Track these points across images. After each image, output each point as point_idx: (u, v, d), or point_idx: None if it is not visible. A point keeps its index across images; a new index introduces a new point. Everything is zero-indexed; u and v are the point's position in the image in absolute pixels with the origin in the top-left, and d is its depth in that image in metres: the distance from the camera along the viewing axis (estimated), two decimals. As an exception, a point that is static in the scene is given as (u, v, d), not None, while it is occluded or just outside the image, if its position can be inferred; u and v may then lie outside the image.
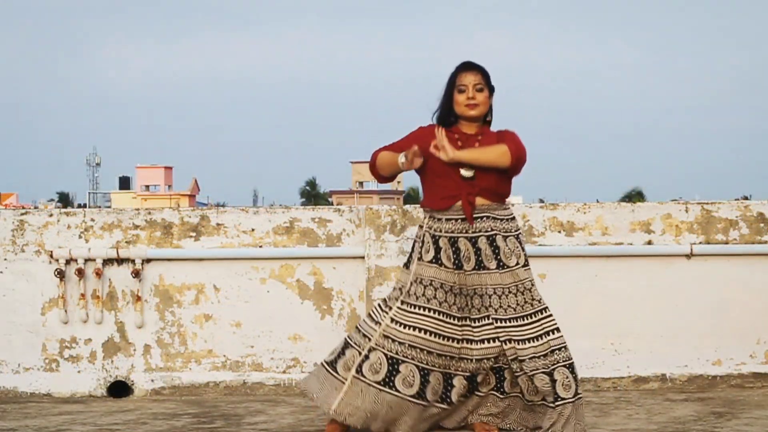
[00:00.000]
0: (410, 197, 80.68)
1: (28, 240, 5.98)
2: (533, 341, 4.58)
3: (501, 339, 4.59)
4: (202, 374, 5.99)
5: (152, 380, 6.00)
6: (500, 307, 4.59)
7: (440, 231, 4.66)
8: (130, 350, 6.00)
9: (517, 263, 4.63)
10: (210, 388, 5.99)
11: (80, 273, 5.94)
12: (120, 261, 5.98)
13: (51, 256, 5.96)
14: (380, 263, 5.91)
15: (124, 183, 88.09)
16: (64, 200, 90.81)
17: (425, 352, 4.64)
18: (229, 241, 6.00)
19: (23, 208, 7.25)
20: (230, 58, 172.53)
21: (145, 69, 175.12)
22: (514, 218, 4.72)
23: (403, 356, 4.64)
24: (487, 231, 4.63)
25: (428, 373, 4.64)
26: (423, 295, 4.66)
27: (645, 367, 5.99)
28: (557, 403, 4.55)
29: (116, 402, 5.85)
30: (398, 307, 4.68)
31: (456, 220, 4.64)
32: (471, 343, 4.63)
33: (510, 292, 4.60)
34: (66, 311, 5.96)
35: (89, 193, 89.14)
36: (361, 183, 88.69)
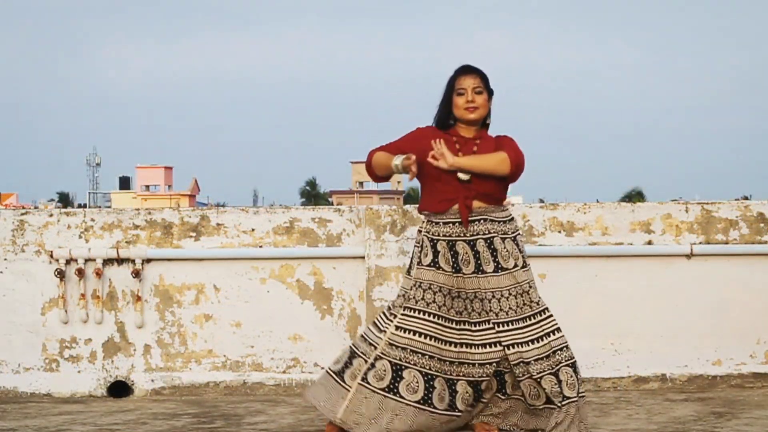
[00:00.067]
0: (410, 197, 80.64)
1: (28, 240, 5.98)
2: (535, 343, 4.57)
3: (503, 344, 4.58)
4: (202, 374, 5.99)
5: (152, 380, 6.00)
6: (501, 310, 4.59)
7: (438, 234, 4.66)
8: (130, 350, 6.00)
9: (515, 265, 4.63)
10: (210, 388, 5.99)
11: (80, 273, 5.94)
12: (120, 261, 5.98)
13: (51, 256, 5.96)
14: (380, 263, 5.91)
15: (124, 183, 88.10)
16: (64, 200, 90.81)
17: (427, 356, 4.63)
18: (229, 241, 6.00)
19: (23, 208, 7.25)
20: (230, 58, 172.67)
21: (145, 69, 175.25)
22: (512, 219, 4.72)
23: (406, 362, 4.63)
24: (484, 234, 4.63)
25: (432, 378, 4.63)
26: (422, 299, 4.65)
27: (645, 367, 5.99)
28: (563, 403, 4.55)
29: (116, 402, 5.85)
30: (402, 314, 4.67)
31: (454, 223, 4.64)
32: (471, 348, 4.62)
33: (510, 294, 4.60)
34: (66, 311, 5.96)
35: (89, 193, 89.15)
36: (361, 183, 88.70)
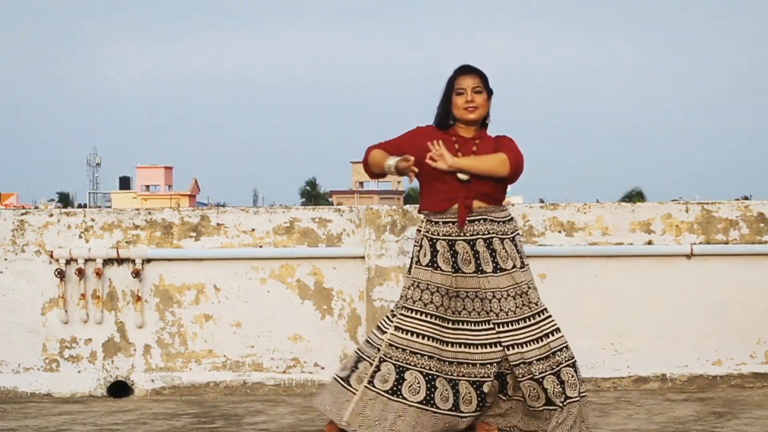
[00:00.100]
0: (410, 197, 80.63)
1: (28, 240, 5.98)
2: (534, 343, 4.57)
3: (503, 344, 4.58)
4: (202, 374, 5.99)
5: (152, 380, 6.00)
6: (501, 311, 4.58)
7: (437, 234, 4.66)
8: (130, 350, 6.00)
9: (514, 266, 4.63)
10: (210, 388, 5.99)
11: (80, 273, 5.94)
12: (120, 261, 5.98)
13: (51, 256, 5.96)
14: (380, 263, 5.91)
15: (124, 183, 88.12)
16: (64, 200, 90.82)
17: (426, 357, 4.64)
18: (229, 241, 6.00)
19: (23, 208, 7.25)
20: (230, 58, 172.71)
21: (145, 69, 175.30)
22: (511, 219, 4.72)
23: (407, 363, 4.64)
24: (484, 234, 4.63)
25: (434, 378, 4.63)
26: (420, 299, 4.65)
27: (645, 367, 5.99)
28: (565, 403, 4.54)
29: (116, 402, 5.85)
30: (400, 314, 4.68)
31: (453, 222, 4.64)
32: (471, 347, 4.62)
33: (509, 295, 4.60)
34: (66, 311, 5.96)
35: (89, 193, 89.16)
36: (361, 183, 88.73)
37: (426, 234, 4.69)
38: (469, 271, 4.61)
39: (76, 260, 5.95)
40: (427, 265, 4.66)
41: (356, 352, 4.77)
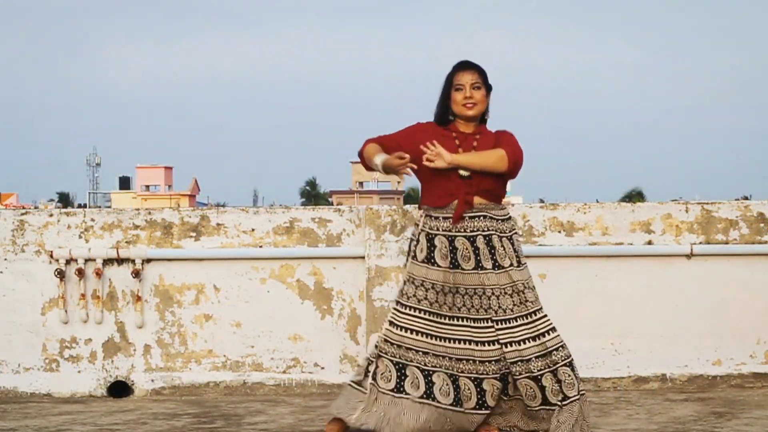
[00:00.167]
0: (410, 197, 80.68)
1: (28, 240, 5.98)
2: (530, 342, 4.57)
3: (501, 342, 4.59)
4: (202, 374, 5.99)
5: (152, 380, 6.00)
6: (499, 308, 4.59)
7: (437, 229, 4.66)
8: (130, 350, 6.00)
9: (511, 264, 4.63)
10: (210, 388, 5.99)
11: (80, 273, 5.94)
12: (120, 261, 5.98)
13: (51, 256, 5.96)
14: (380, 263, 5.91)
15: (124, 183, 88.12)
16: (64, 200, 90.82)
17: (421, 353, 4.65)
18: (229, 241, 6.00)
19: (23, 208, 7.25)
20: (230, 58, 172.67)
21: (145, 69, 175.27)
22: (510, 218, 4.72)
23: (405, 359, 4.66)
24: (484, 230, 4.63)
25: (431, 374, 4.65)
26: (414, 295, 4.67)
27: (645, 367, 5.99)
28: (564, 403, 4.54)
29: (116, 402, 5.85)
30: (394, 308, 4.70)
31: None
32: (471, 344, 4.63)
33: (505, 293, 4.60)
34: (66, 311, 5.96)
35: (89, 193, 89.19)
36: (361, 183, 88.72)
37: (424, 229, 4.69)
38: (468, 267, 4.61)
39: (76, 260, 5.95)
40: (422, 261, 4.67)
41: (366, 358, 4.83)
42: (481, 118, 4.76)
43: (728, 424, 4.97)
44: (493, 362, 4.60)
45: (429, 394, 4.63)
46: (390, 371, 4.66)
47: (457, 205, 4.61)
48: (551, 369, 4.55)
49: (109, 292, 6.00)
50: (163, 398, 5.93)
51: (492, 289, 4.59)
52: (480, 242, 4.62)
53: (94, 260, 5.96)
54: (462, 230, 4.63)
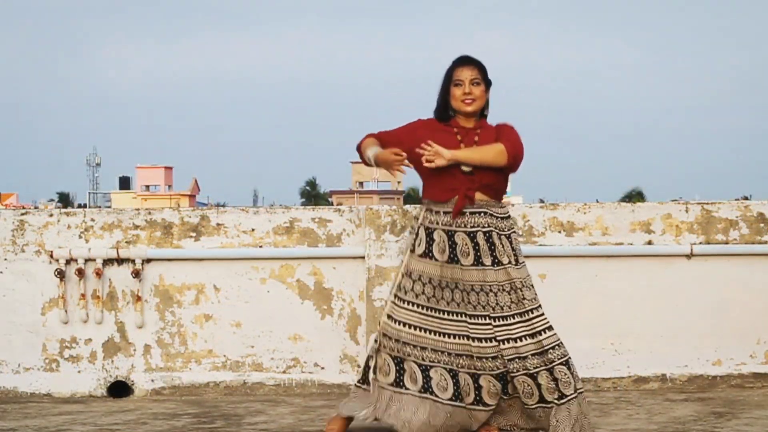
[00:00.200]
0: (410, 197, 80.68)
1: (28, 240, 5.98)
2: (526, 339, 4.58)
3: (498, 339, 4.59)
4: (202, 374, 5.99)
5: (152, 380, 6.00)
6: (497, 305, 4.60)
7: (437, 223, 4.66)
8: (130, 350, 6.00)
9: (509, 262, 4.64)
10: (210, 388, 5.99)
11: (80, 273, 5.94)
12: (120, 261, 5.98)
13: (51, 256, 5.96)
14: (380, 263, 5.91)
15: (124, 183, 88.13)
16: (64, 200, 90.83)
17: (419, 348, 4.67)
18: (229, 241, 6.00)
19: (23, 208, 7.24)
20: (230, 58, 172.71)
21: (145, 69, 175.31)
22: (509, 217, 4.73)
23: (402, 353, 4.68)
24: (484, 226, 4.64)
25: (428, 368, 4.66)
26: (411, 290, 4.68)
27: (645, 367, 5.99)
28: (561, 401, 4.55)
29: (116, 402, 5.85)
30: (391, 302, 4.72)
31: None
32: (469, 340, 4.63)
33: (503, 290, 4.61)
34: (66, 311, 5.96)
35: (89, 193, 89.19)
36: (361, 183, 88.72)
37: (423, 223, 4.70)
38: (467, 263, 4.61)
39: (76, 260, 5.95)
40: (421, 255, 4.68)
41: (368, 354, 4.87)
42: (481, 113, 4.76)
43: (728, 424, 4.97)
44: (490, 359, 4.61)
45: (427, 388, 4.64)
46: (388, 365, 4.69)
47: (458, 199, 4.62)
48: (547, 367, 4.56)
49: (109, 292, 6.00)
50: (163, 398, 5.93)
51: (490, 285, 4.60)
52: (480, 238, 4.62)
53: (94, 260, 5.95)
54: (462, 225, 4.63)
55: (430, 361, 4.66)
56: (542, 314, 4.62)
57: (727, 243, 6.00)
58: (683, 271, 5.99)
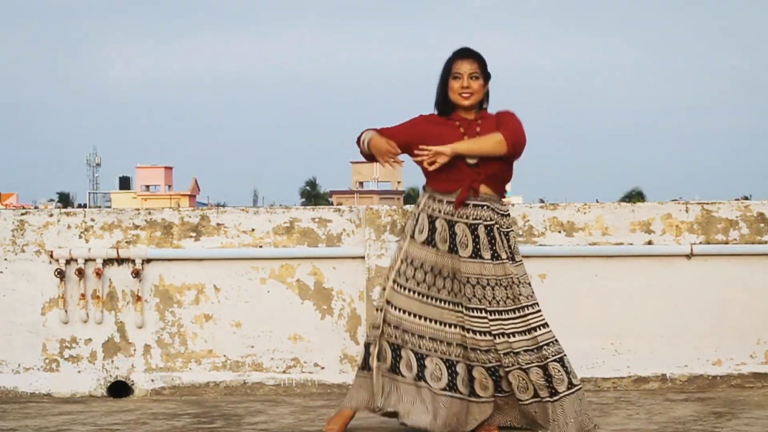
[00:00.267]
0: (410, 197, 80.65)
1: (28, 240, 5.98)
2: (521, 335, 4.58)
3: (493, 333, 4.60)
4: (202, 374, 5.99)
5: (152, 380, 6.00)
6: (493, 299, 4.60)
7: (439, 212, 4.67)
8: (130, 350, 6.00)
9: (507, 257, 4.64)
10: (210, 388, 5.99)
11: (80, 273, 5.94)
12: (120, 261, 5.98)
13: (51, 256, 5.96)
14: (380, 263, 5.91)
15: (124, 183, 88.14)
16: (64, 200, 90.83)
17: (416, 336, 4.68)
18: (229, 241, 6.00)
19: (23, 208, 7.25)
20: (230, 58, 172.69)
21: (145, 69, 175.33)
22: (509, 215, 4.74)
23: (401, 340, 4.69)
24: (486, 220, 4.64)
25: (423, 357, 4.67)
26: (413, 277, 4.68)
27: (645, 367, 5.99)
28: (554, 398, 4.56)
29: (116, 402, 5.85)
30: (390, 287, 4.72)
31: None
32: (466, 331, 4.64)
33: (500, 284, 4.61)
34: (66, 311, 5.96)
35: (89, 193, 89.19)
36: (361, 183, 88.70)
37: (425, 210, 4.70)
38: (465, 254, 4.61)
39: (76, 260, 5.94)
40: (423, 243, 4.68)
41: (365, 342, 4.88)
42: (480, 105, 4.76)
43: (728, 424, 4.97)
44: (483, 351, 4.61)
45: (421, 376, 4.65)
46: (386, 351, 4.69)
47: (461, 191, 4.62)
48: (541, 364, 4.56)
49: (109, 292, 6.00)
50: (163, 398, 5.93)
51: (488, 279, 4.60)
52: (481, 231, 4.63)
53: (94, 260, 5.95)
54: (464, 217, 4.63)
55: (426, 349, 4.67)
56: (538, 311, 4.63)
57: (727, 243, 6.00)
58: (683, 271, 5.99)
